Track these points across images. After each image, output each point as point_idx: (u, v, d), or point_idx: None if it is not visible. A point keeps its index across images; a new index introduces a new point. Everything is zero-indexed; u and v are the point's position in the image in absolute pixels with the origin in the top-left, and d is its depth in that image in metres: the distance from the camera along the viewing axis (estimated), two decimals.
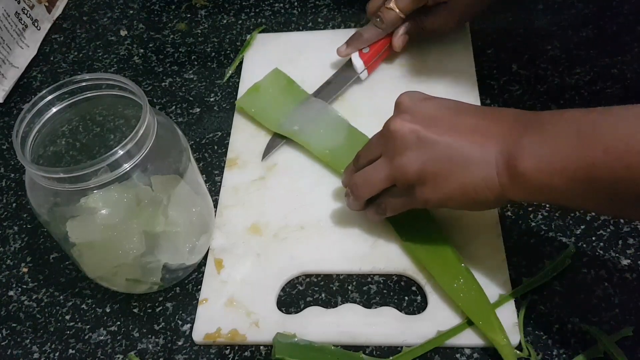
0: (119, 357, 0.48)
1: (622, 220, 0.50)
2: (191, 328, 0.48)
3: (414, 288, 0.49)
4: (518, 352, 0.44)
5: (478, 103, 0.58)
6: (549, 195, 0.39)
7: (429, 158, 0.42)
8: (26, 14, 0.71)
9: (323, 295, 0.49)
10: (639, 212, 0.38)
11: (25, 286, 0.53)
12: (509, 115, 0.42)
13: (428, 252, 0.49)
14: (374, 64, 0.62)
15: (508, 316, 0.45)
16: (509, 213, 0.51)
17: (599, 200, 0.37)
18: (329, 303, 0.49)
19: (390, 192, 0.47)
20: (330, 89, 0.61)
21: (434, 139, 0.42)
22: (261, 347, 0.47)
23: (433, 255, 0.48)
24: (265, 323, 0.47)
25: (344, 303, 0.48)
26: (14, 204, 0.59)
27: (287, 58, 0.66)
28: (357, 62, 0.61)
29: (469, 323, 0.45)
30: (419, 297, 0.48)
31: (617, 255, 0.48)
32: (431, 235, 0.49)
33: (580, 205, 0.43)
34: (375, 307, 0.48)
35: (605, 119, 0.36)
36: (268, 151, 0.58)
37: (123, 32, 0.74)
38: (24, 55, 0.71)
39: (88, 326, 0.50)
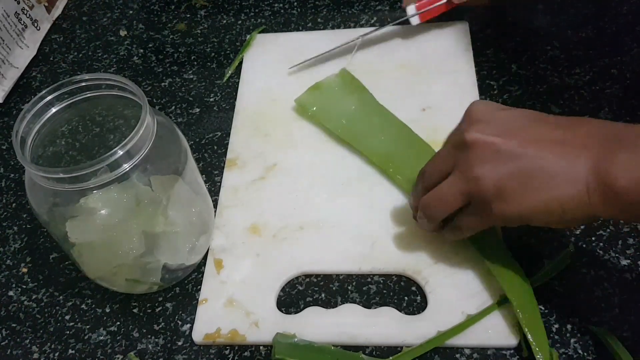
0: (118, 357, 0.48)
1: (621, 221, 0.50)
2: (191, 328, 0.48)
3: (413, 288, 0.49)
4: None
5: None
6: None
7: (510, 171, 0.39)
8: (26, 14, 0.71)
9: (323, 295, 0.49)
10: None
11: (25, 286, 0.53)
12: (596, 126, 0.39)
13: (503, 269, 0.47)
14: (429, 12, 0.62)
15: (508, 316, 0.45)
16: None
17: None
18: (329, 303, 0.49)
19: (466, 210, 0.43)
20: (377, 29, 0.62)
21: (515, 151, 0.39)
22: (261, 348, 0.47)
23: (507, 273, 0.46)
24: (265, 323, 0.47)
25: (343, 303, 0.48)
26: (14, 204, 0.59)
27: (286, 58, 0.66)
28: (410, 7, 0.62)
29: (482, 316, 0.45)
30: (418, 297, 0.48)
31: (617, 255, 0.48)
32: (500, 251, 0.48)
33: None
34: (375, 307, 0.48)
35: None
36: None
37: (123, 32, 0.74)
38: (23, 55, 0.71)
39: (88, 326, 0.50)
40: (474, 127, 0.41)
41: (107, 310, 0.51)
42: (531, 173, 0.39)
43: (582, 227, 0.50)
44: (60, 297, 0.52)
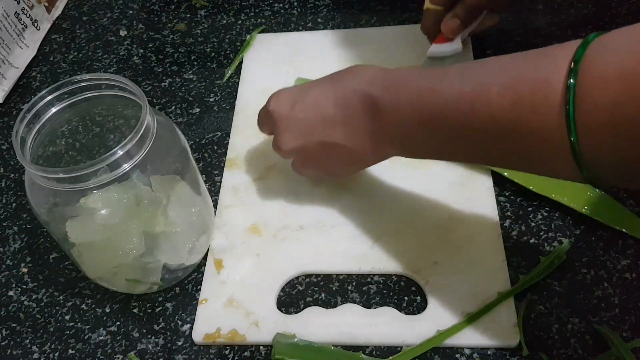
0: (118, 357, 0.48)
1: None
2: (191, 328, 0.48)
3: (413, 288, 0.49)
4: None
5: None
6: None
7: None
8: (26, 14, 0.71)
9: (323, 295, 0.49)
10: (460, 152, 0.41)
11: (25, 286, 0.53)
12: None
13: None
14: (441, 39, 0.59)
15: (508, 316, 0.45)
16: (509, 213, 0.51)
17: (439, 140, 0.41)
18: (329, 303, 0.49)
19: None
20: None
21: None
22: (261, 348, 0.47)
23: None
24: (265, 323, 0.47)
25: (343, 303, 0.48)
26: (14, 204, 0.59)
27: (286, 58, 0.66)
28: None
29: (468, 321, 0.45)
30: (418, 297, 0.48)
31: (617, 255, 0.48)
32: None
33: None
34: (375, 307, 0.48)
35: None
36: None
37: (123, 32, 0.74)
38: (23, 55, 0.71)
39: (88, 326, 0.50)
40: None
41: (107, 310, 0.51)
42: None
43: (582, 227, 0.50)
44: (60, 297, 0.52)
